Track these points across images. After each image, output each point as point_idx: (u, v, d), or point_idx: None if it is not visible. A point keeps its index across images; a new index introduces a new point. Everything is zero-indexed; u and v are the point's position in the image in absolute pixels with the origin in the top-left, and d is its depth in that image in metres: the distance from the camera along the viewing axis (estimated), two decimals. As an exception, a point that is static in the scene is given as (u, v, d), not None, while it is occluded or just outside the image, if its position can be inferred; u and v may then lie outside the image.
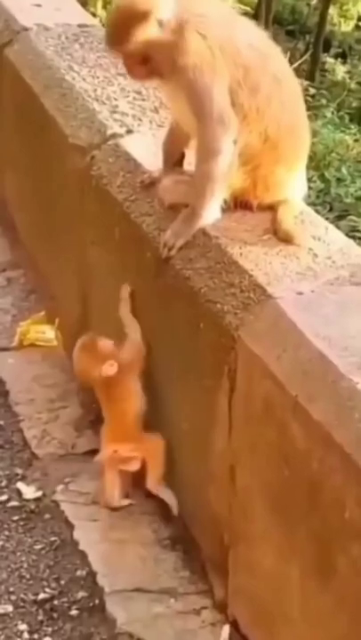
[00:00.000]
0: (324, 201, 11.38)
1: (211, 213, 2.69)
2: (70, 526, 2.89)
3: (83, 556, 2.80)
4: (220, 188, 2.67)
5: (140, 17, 2.58)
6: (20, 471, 3.08)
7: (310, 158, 2.79)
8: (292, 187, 2.77)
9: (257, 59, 2.66)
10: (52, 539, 2.86)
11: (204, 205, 2.68)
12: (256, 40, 2.71)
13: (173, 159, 2.89)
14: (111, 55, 2.83)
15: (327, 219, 2.98)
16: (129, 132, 3.17)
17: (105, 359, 2.89)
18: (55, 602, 2.68)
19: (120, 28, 2.61)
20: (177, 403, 2.83)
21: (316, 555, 2.24)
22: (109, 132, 3.19)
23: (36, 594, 2.70)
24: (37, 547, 2.84)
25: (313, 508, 2.23)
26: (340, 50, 20.23)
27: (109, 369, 2.89)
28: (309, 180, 2.98)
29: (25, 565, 2.78)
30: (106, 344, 2.94)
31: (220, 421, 2.58)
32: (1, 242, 4.16)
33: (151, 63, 2.62)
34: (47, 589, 2.71)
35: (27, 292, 3.89)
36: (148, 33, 2.58)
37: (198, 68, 2.59)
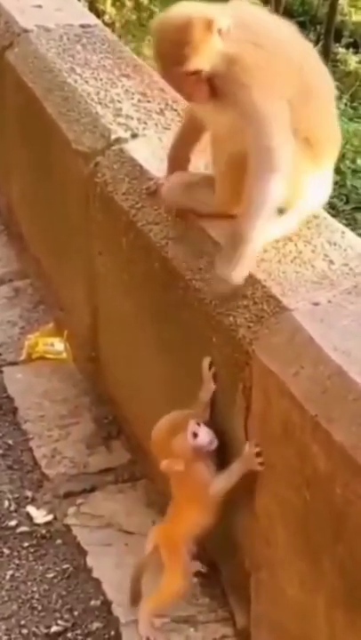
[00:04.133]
0: (341, 193, 11.26)
1: (261, 236, 2.45)
2: (83, 552, 2.77)
3: (97, 584, 2.68)
4: (273, 209, 2.46)
5: (203, 28, 2.35)
6: (29, 493, 2.96)
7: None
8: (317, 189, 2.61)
9: (307, 65, 2.51)
10: (65, 566, 2.75)
11: (256, 228, 2.42)
12: (299, 43, 2.56)
13: (181, 167, 2.74)
14: (169, 79, 2.50)
15: (343, 211, 2.84)
16: (134, 136, 3.04)
17: (176, 454, 2.48)
18: (69, 634, 2.56)
19: (182, 44, 2.33)
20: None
21: (342, 585, 2.11)
22: (113, 136, 3.06)
23: (49, 626, 2.59)
24: (49, 575, 2.72)
25: (338, 536, 2.10)
26: (351, 40, 20.10)
27: (175, 465, 2.49)
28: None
29: (36, 596, 2.66)
30: (186, 442, 2.46)
31: (236, 440, 2.45)
32: (8, 251, 4.05)
33: (213, 81, 2.39)
34: (60, 621, 2.59)
35: (34, 303, 3.77)
36: (211, 46, 2.36)
37: (260, 85, 2.38)
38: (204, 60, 2.37)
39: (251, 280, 2.46)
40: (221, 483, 2.44)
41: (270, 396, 2.29)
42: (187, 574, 2.55)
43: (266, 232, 2.46)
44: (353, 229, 2.82)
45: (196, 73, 2.38)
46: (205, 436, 2.46)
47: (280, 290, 2.40)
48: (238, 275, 2.42)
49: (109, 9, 18.76)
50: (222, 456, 2.52)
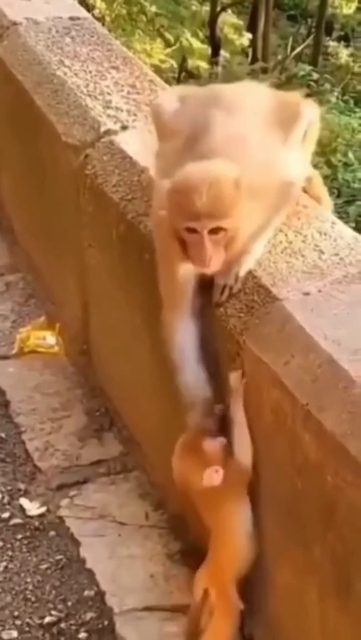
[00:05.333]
0: (332, 187, 11.29)
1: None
2: (76, 543, 2.78)
3: (90, 574, 2.69)
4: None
5: (233, 186, 2.29)
6: (22, 486, 2.96)
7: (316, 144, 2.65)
8: None
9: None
10: (58, 557, 2.75)
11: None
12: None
13: None
14: (188, 235, 2.30)
15: (335, 204, 2.85)
16: (124, 128, 3.05)
17: (210, 463, 2.37)
18: (62, 625, 2.56)
19: (219, 198, 2.25)
20: (183, 412, 2.70)
21: (334, 572, 2.12)
22: (103, 128, 3.06)
23: (42, 617, 2.59)
24: (43, 566, 2.72)
25: (329, 524, 2.10)
26: (342, 33, 20.12)
27: (214, 476, 2.36)
28: (315, 166, 2.84)
29: (30, 587, 2.66)
30: (213, 446, 2.39)
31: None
32: (-1, 245, 4.05)
33: (229, 243, 2.32)
34: (53, 612, 2.60)
35: (26, 297, 3.77)
36: (239, 206, 2.30)
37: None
38: (233, 221, 2.30)
39: (241, 270, 2.47)
40: (240, 449, 2.34)
41: (261, 385, 2.30)
42: (236, 614, 2.41)
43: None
44: (345, 222, 2.83)
45: (221, 231, 2.30)
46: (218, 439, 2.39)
47: (270, 280, 2.41)
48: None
49: (99, 3, 18.72)
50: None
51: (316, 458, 2.11)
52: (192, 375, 2.44)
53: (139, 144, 2.93)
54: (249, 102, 2.57)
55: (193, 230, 2.30)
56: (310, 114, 2.59)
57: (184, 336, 2.45)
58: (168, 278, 2.46)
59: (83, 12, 3.84)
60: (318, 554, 2.16)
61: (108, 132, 3.03)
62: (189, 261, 2.36)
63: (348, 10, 20.62)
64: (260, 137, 2.48)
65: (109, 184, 2.90)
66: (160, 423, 2.85)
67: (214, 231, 2.30)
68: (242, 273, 2.42)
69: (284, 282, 2.40)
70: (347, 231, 2.62)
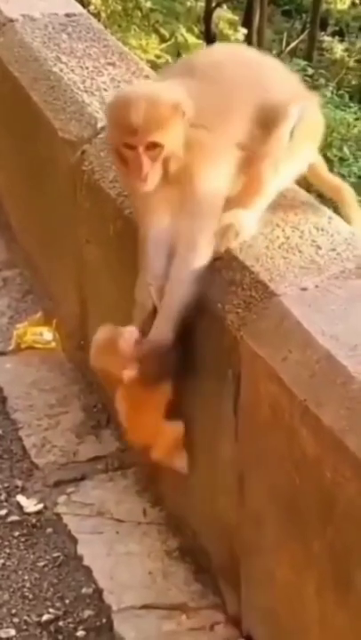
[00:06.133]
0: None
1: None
2: (74, 540, 2.77)
3: (88, 572, 2.68)
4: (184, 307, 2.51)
5: (171, 107, 2.36)
6: (19, 483, 2.95)
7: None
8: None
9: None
10: (56, 554, 2.74)
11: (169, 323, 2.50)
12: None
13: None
14: (124, 150, 2.40)
15: (331, 199, 2.86)
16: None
17: (126, 362, 2.49)
18: (60, 623, 2.56)
19: (151, 115, 2.34)
20: (181, 407, 2.70)
21: (332, 567, 2.12)
22: (100, 124, 3.05)
23: (40, 615, 2.58)
24: (40, 564, 2.72)
25: (327, 519, 2.10)
26: (337, 28, 20.12)
27: (130, 373, 2.49)
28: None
29: (27, 585, 2.65)
30: (127, 345, 2.50)
31: (226, 427, 2.46)
32: (-4, 240, 4.04)
33: (166, 164, 2.38)
34: (51, 610, 2.59)
35: (23, 293, 3.76)
36: (176, 128, 2.37)
37: (209, 174, 2.43)
38: (168, 137, 2.36)
39: (238, 266, 2.46)
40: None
41: (259, 381, 2.30)
42: None
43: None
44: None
45: (157, 148, 2.36)
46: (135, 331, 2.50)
47: (268, 275, 2.40)
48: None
49: (95, -1, 18.71)
50: (208, 439, 2.53)
51: (315, 453, 2.11)
52: (153, 285, 2.52)
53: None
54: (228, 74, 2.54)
55: (131, 147, 2.37)
56: (296, 113, 2.53)
57: (155, 246, 2.53)
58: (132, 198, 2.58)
59: (79, 8, 3.83)
60: (317, 549, 2.16)
61: (104, 128, 3.01)
62: (130, 180, 2.44)
63: (343, 5, 20.61)
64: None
65: (106, 180, 2.90)
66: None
67: (151, 147, 2.35)
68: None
69: (281, 277, 2.40)
70: (344, 226, 2.61)
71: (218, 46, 2.68)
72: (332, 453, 2.06)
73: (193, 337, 2.54)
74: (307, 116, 2.56)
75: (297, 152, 2.57)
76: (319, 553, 2.15)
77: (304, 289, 2.35)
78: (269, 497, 2.34)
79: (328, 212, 2.68)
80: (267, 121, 2.50)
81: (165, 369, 2.50)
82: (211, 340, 2.47)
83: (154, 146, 2.37)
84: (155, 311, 2.53)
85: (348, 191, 2.82)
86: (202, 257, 2.46)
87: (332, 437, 2.05)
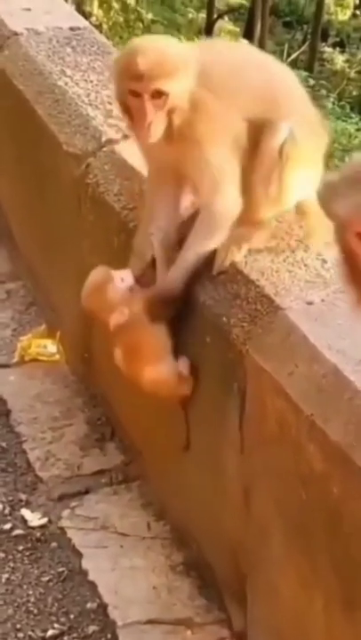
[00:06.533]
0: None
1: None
2: (78, 555, 2.76)
3: (92, 586, 2.67)
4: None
5: (181, 59, 2.36)
6: (23, 496, 2.94)
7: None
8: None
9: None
10: (60, 569, 2.73)
11: (179, 279, 2.54)
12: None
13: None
14: (129, 97, 2.39)
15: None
16: (125, 137, 3.03)
17: (114, 306, 2.54)
18: (65, 638, 2.55)
19: (159, 62, 2.34)
20: (185, 421, 2.69)
21: (339, 584, 2.11)
22: (104, 137, 3.05)
23: (45, 630, 2.57)
24: (44, 578, 2.70)
25: (334, 535, 2.10)
26: (337, 39, 20.17)
27: (119, 317, 2.54)
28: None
29: (32, 599, 2.64)
30: (116, 290, 2.56)
31: (231, 441, 2.45)
32: (-1, 253, 4.04)
33: (171, 116, 2.38)
34: (56, 625, 2.58)
35: (27, 305, 3.75)
36: (184, 80, 2.36)
37: (217, 139, 2.43)
38: (175, 87, 2.35)
39: (244, 280, 2.46)
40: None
41: (265, 395, 2.29)
42: None
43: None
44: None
45: (162, 96, 2.35)
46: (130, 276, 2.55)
47: (273, 289, 2.40)
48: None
49: (96, 11, 18.76)
50: (213, 452, 2.52)
51: (322, 469, 2.10)
52: (156, 236, 2.58)
53: (140, 153, 2.92)
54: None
55: (136, 94, 2.37)
56: (285, 132, 2.49)
57: (160, 202, 2.58)
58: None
59: (83, 22, 3.83)
60: (324, 565, 2.15)
61: (109, 142, 3.02)
62: (135, 131, 2.44)
63: (344, 16, 20.66)
64: None
65: (111, 193, 2.90)
66: (162, 432, 2.84)
67: (155, 95, 2.35)
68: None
69: (287, 291, 2.40)
70: (349, 240, 2.61)
71: (239, 44, 2.68)
72: (339, 469, 2.05)
73: (198, 350, 2.54)
74: (301, 136, 2.50)
75: (294, 171, 2.53)
76: (326, 569, 2.14)
77: (310, 303, 2.35)
78: (275, 511, 2.33)
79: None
80: (258, 130, 2.48)
81: (167, 315, 2.52)
82: (216, 354, 2.46)
83: (159, 94, 2.35)
84: (154, 262, 2.57)
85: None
86: (228, 198, 2.46)
87: (340, 453, 2.04)
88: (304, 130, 2.51)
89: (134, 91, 2.37)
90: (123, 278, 2.58)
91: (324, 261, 2.50)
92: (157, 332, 2.53)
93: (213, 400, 2.51)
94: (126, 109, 2.43)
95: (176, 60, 2.37)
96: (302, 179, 2.55)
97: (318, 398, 2.14)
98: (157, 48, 2.39)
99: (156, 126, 2.38)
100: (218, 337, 2.44)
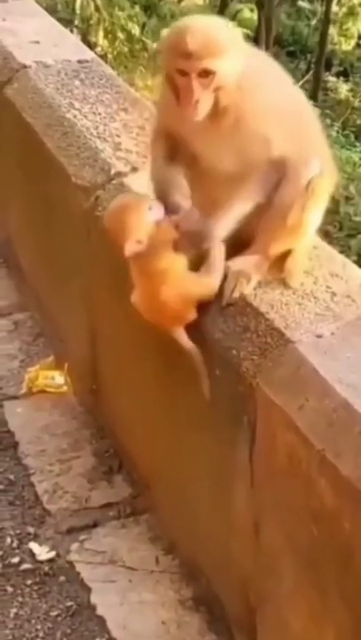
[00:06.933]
0: (334, 220, 11.33)
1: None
2: (87, 589, 2.74)
3: (101, 621, 2.65)
4: None
5: (231, 38, 2.37)
6: (31, 530, 2.93)
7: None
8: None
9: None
10: (69, 604, 2.71)
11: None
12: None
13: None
14: (176, 73, 2.37)
15: (337, 238, 2.84)
16: (134, 169, 3.05)
17: (139, 232, 2.45)
18: (73, 673, 2.53)
19: (210, 40, 2.32)
20: (194, 454, 2.69)
21: (351, 620, 2.09)
22: (114, 170, 3.07)
23: (54, 665, 2.56)
24: (53, 613, 2.68)
25: (346, 570, 2.08)
26: (341, 68, 20.33)
27: (135, 247, 2.45)
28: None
29: (40, 634, 2.62)
30: (145, 217, 2.46)
31: (241, 475, 2.44)
32: (7, 283, 4.04)
33: (218, 95, 2.38)
34: (65, 660, 2.57)
35: (34, 336, 3.76)
36: (233, 61, 2.36)
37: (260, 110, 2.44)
38: (222, 66, 2.35)
39: (253, 312, 2.46)
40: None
41: (275, 429, 2.28)
42: None
43: None
44: (347, 256, 2.83)
45: (210, 75, 2.35)
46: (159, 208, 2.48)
47: (283, 322, 2.40)
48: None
49: (102, 41, 18.93)
50: (223, 485, 2.51)
51: (333, 504, 2.09)
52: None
53: (149, 186, 2.93)
54: None
55: (183, 73, 2.36)
56: (317, 167, 2.51)
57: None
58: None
59: (90, 55, 3.87)
60: (335, 600, 2.13)
61: (118, 174, 3.03)
62: (181, 109, 2.40)
63: (348, 46, 20.83)
64: None
65: (120, 225, 2.90)
66: (171, 465, 2.84)
67: (203, 74, 2.34)
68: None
69: (296, 324, 2.40)
70: (358, 272, 2.61)
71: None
72: (350, 504, 2.04)
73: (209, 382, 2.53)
74: (324, 175, 2.53)
75: (314, 207, 2.54)
76: (337, 604, 2.13)
77: (320, 336, 2.35)
78: (286, 546, 2.31)
79: (341, 257, 2.69)
80: (283, 165, 2.49)
81: (190, 252, 2.49)
82: (226, 387, 2.46)
83: (206, 73, 2.35)
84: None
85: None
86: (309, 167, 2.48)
87: (351, 488, 2.03)
88: (326, 167, 2.53)
89: (182, 69, 2.37)
90: (152, 207, 2.50)
91: (334, 294, 2.50)
92: (178, 260, 2.49)
93: (223, 433, 2.50)
94: (173, 88, 2.42)
95: (224, 40, 2.37)
96: (318, 216, 2.56)
97: (329, 432, 2.13)
98: (206, 27, 2.39)
99: (203, 105, 2.37)
100: (228, 370, 2.43)
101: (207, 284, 2.51)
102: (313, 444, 2.14)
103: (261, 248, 2.54)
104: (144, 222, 2.46)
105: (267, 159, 2.46)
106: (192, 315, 2.52)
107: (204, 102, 2.37)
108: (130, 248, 2.45)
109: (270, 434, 2.30)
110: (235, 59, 2.37)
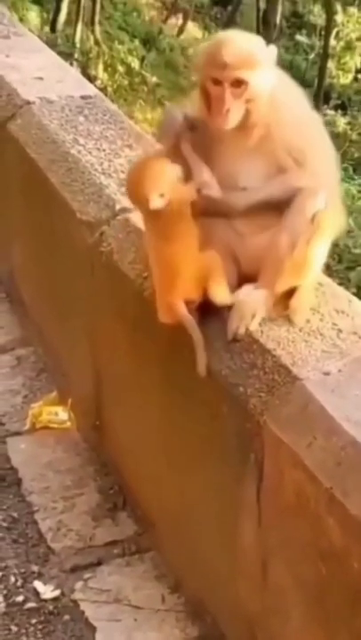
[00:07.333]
0: (333, 252, 11.37)
1: None
2: (92, 628, 2.71)
3: (107, 661, 2.62)
4: None
5: (264, 57, 2.45)
6: (35, 568, 2.90)
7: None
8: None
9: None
10: (74, 643, 2.69)
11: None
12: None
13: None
14: (210, 81, 2.45)
15: (337, 270, 2.85)
16: (138, 206, 3.05)
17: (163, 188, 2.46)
18: None
19: (247, 53, 2.42)
20: (200, 491, 2.67)
21: (361, 661, 2.07)
22: (118, 206, 3.08)
23: None
24: (58, 653, 2.66)
25: (356, 610, 2.06)
26: (339, 102, 20.50)
27: (159, 201, 2.46)
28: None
29: (45, 674, 2.60)
30: (171, 174, 2.48)
31: (248, 513, 2.42)
32: (10, 318, 4.03)
33: (249, 106, 2.44)
34: None
35: (37, 371, 3.74)
36: (265, 75, 2.45)
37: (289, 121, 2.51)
38: (254, 78, 2.42)
39: (260, 349, 2.46)
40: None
41: (283, 467, 2.27)
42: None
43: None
44: (346, 288, 2.83)
45: (242, 86, 2.42)
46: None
47: (290, 359, 2.40)
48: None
49: (101, 74, 19.11)
50: (230, 523, 2.49)
51: (342, 543, 2.07)
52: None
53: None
54: None
55: (217, 82, 2.43)
56: (323, 199, 2.52)
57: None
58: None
59: (94, 91, 3.89)
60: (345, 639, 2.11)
61: (123, 210, 3.04)
62: (211, 117, 2.47)
63: (345, 79, 21.03)
64: None
65: (125, 261, 2.91)
66: (175, 501, 2.82)
67: (236, 84, 2.41)
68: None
69: (303, 361, 2.39)
70: (364, 308, 2.61)
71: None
72: (359, 543, 2.03)
73: (215, 419, 2.52)
74: (329, 210, 2.54)
75: (319, 242, 2.55)
76: (347, 645, 2.10)
77: (327, 373, 2.34)
78: (294, 585, 2.29)
79: (347, 293, 2.69)
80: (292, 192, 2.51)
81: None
82: (233, 424, 2.44)
83: (239, 83, 2.43)
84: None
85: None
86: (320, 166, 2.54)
87: (360, 526, 2.01)
88: (333, 202, 2.55)
89: (216, 78, 2.44)
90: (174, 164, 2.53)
91: (340, 331, 2.50)
92: (194, 226, 2.51)
93: (230, 470, 2.48)
94: (206, 97, 2.49)
95: (259, 54, 2.46)
96: (323, 251, 2.56)
97: (337, 471, 2.12)
98: (243, 41, 2.48)
99: (233, 114, 2.44)
100: (235, 407, 2.43)
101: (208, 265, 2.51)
102: (321, 482, 2.12)
103: (267, 283, 2.54)
104: (167, 176, 2.49)
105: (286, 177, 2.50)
106: (197, 294, 2.52)
107: (234, 112, 2.44)
108: (154, 201, 2.46)
109: (278, 472, 2.29)
110: (267, 74, 2.46)
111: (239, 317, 2.51)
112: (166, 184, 2.47)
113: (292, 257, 2.51)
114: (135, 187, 2.55)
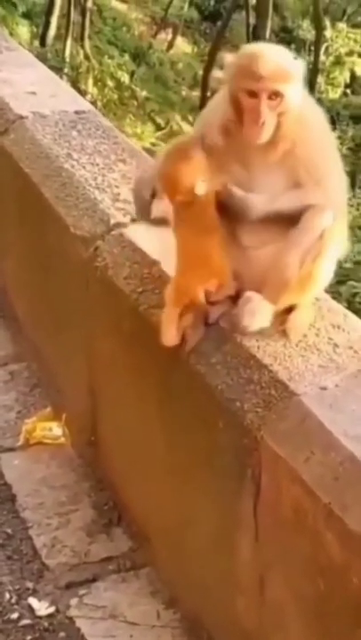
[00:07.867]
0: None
1: None
2: (87, 645, 2.70)
3: None
4: None
5: (299, 73, 2.45)
6: (30, 585, 2.88)
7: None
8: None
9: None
10: (69, 660, 2.67)
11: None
12: None
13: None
14: (249, 93, 2.42)
15: (328, 284, 2.84)
16: (133, 220, 3.06)
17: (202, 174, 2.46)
18: None
19: (284, 68, 2.42)
20: (196, 506, 2.66)
21: None
22: (113, 221, 3.08)
23: None
24: (53, 670, 2.64)
25: (355, 626, 2.05)
26: (328, 116, 20.59)
27: (201, 186, 2.44)
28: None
29: None
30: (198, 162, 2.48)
31: (245, 528, 2.41)
32: (2, 334, 4.02)
33: (281, 119, 2.43)
34: None
35: (31, 387, 3.73)
36: (298, 90, 2.44)
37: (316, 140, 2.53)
38: (289, 91, 2.42)
39: (256, 364, 2.45)
40: None
41: (280, 482, 2.26)
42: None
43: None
44: (338, 302, 2.83)
45: (278, 98, 2.41)
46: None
47: (287, 374, 2.39)
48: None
49: (91, 89, 19.14)
50: (226, 538, 2.48)
51: (341, 558, 2.07)
52: None
53: (149, 236, 2.94)
54: None
55: (252, 94, 2.41)
56: (331, 217, 2.51)
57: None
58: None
59: (87, 106, 3.90)
60: (345, 657, 2.10)
61: (117, 225, 3.04)
62: (245, 129, 2.45)
63: (335, 94, 21.13)
64: None
65: (120, 276, 2.90)
66: (171, 517, 2.80)
67: (272, 96, 2.41)
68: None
69: (300, 376, 2.39)
70: (359, 324, 2.61)
71: None
72: (358, 558, 2.02)
73: (211, 434, 2.51)
74: (337, 228, 2.54)
75: (326, 259, 2.55)
76: (347, 661, 2.09)
77: (324, 388, 2.34)
78: (292, 600, 2.28)
79: (342, 308, 2.69)
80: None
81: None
82: (230, 439, 2.44)
83: (275, 95, 2.42)
84: None
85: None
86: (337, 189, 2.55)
87: (359, 541, 2.01)
88: (341, 222, 2.56)
89: (251, 90, 2.42)
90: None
91: (336, 345, 2.50)
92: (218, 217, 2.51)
93: (227, 485, 2.48)
94: (237, 107, 2.46)
95: (292, 67, 2.46)
96: (329, 270, 2.56)
97: (335, 486, 2.11)
98: (277, 54, 2.48)
99: (268, 127, 2.44)
100: (231, 422, 2.42)
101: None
102: (319, 497, 2.12)
103: (270, 298, 2.52)
104: (204, 163, 2.48)
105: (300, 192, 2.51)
106: (216, 284, 2.53)
107: (269, 124, 2.43)
108: (199, 186, 2.44)
109: (275, 487, 2.28)
110: (299, 87, 2.46)
111: (250, 313, 2.50)
112: (205, 171, 2.47)
113: (299, 274, 2.50)
114: (178, 173, 2.49)
